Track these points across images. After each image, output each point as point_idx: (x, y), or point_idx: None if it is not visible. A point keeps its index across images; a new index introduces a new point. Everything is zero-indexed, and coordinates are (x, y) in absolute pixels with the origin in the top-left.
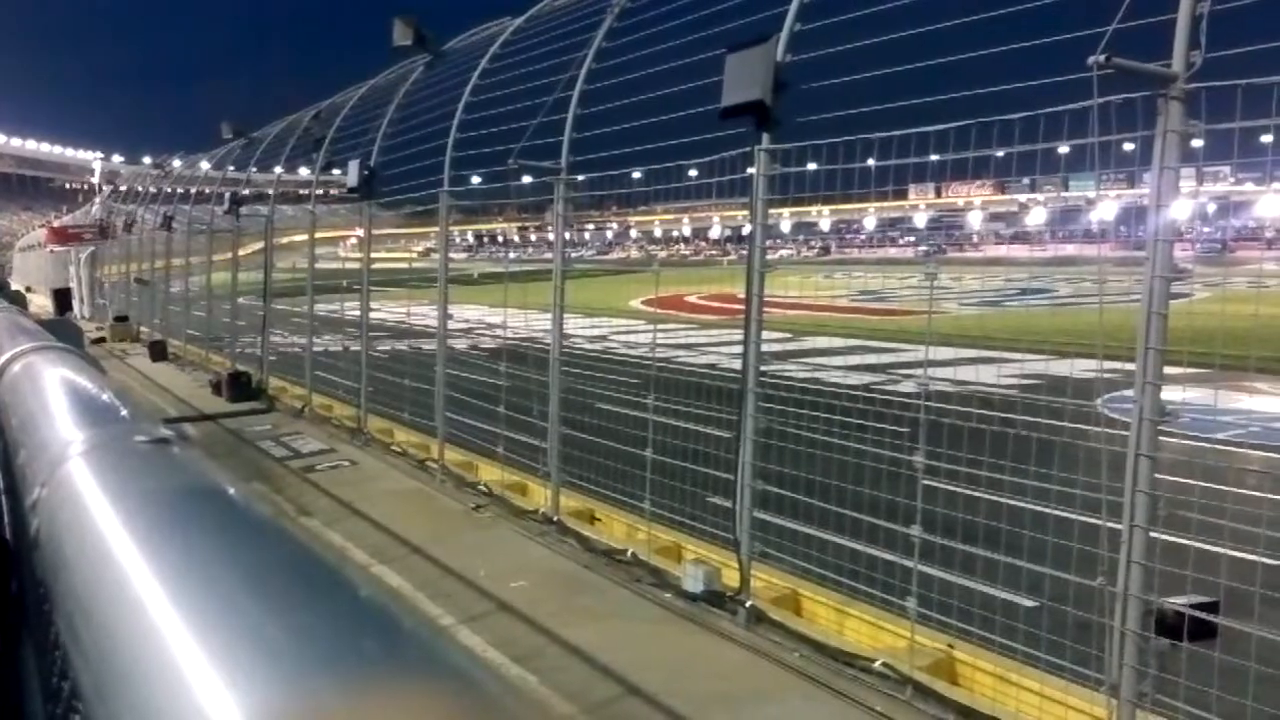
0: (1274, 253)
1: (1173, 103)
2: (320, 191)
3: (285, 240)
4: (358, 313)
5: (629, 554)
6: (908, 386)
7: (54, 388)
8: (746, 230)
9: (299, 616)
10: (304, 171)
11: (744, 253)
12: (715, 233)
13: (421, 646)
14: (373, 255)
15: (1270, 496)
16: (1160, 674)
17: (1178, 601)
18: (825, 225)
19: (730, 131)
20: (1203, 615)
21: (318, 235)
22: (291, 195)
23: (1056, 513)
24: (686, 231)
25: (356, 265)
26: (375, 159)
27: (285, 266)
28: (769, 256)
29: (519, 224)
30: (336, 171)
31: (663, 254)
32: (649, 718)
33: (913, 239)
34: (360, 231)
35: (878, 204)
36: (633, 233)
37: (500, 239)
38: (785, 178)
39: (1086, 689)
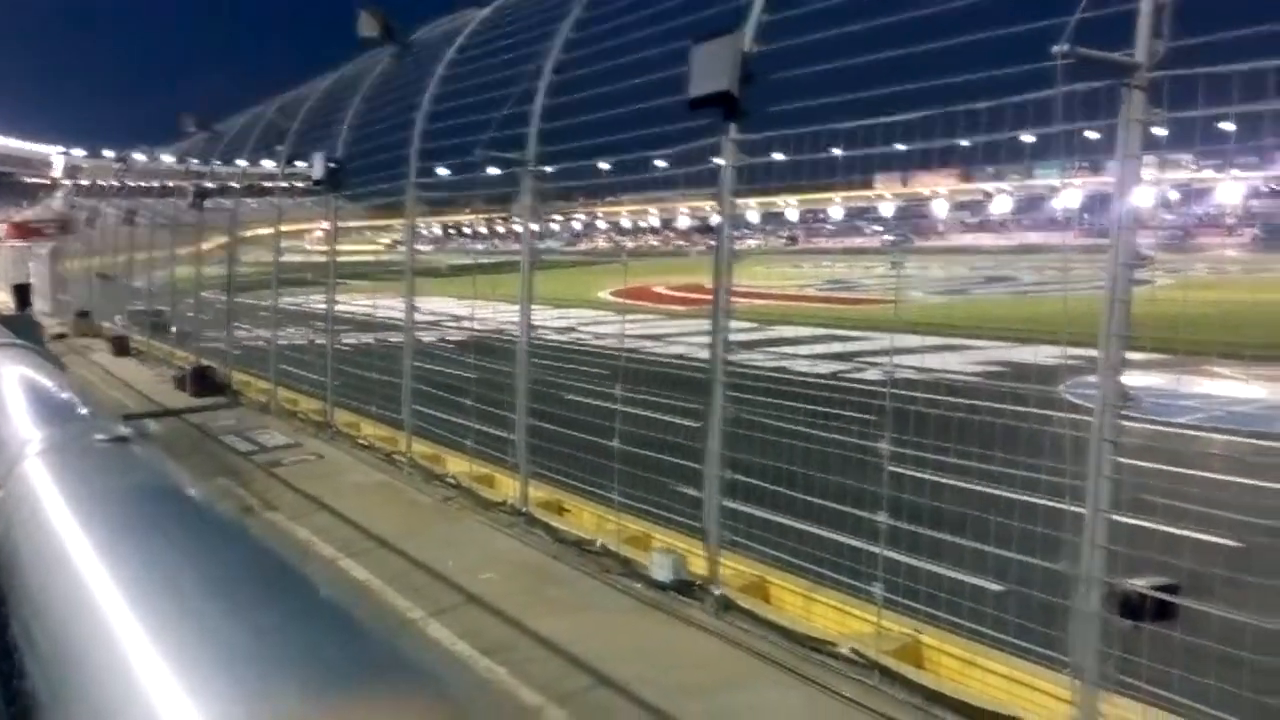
0: (1235, 239)
1: (1135, 91)
2: (285, 184)
3: (250, 233)
4: (324, 306)
5: (598, 544)
6: (875, 374)
7: (11, 386)
8: (715, 220)
9: (258, 617)
10: (268, 164)
11: (712, 243)
12: (684, 223)
13: (385, 646)
14: (339, 248)
15: (1230, 479)
16: (1123, 655)
17: (1139, 583)
18: (793, 215)
19: (698, 122)
20: (1163, 596)
21: (283, 228)
22: (256, 188)
23: (1022, 498)
24: (655, 222)
25: (322, 258)
26: (341, 151)
27: (250, 260)
28: (737, 247)
29: (486, 215)
30: (301, 164)
31: (631, 245)
32: (620, 708)
33: (879, 228)
34: (326, 224)
35: (845, 193)
36: (601, 224)
37: (468, 231)
38: (753, 168)
39: (1051, 671)
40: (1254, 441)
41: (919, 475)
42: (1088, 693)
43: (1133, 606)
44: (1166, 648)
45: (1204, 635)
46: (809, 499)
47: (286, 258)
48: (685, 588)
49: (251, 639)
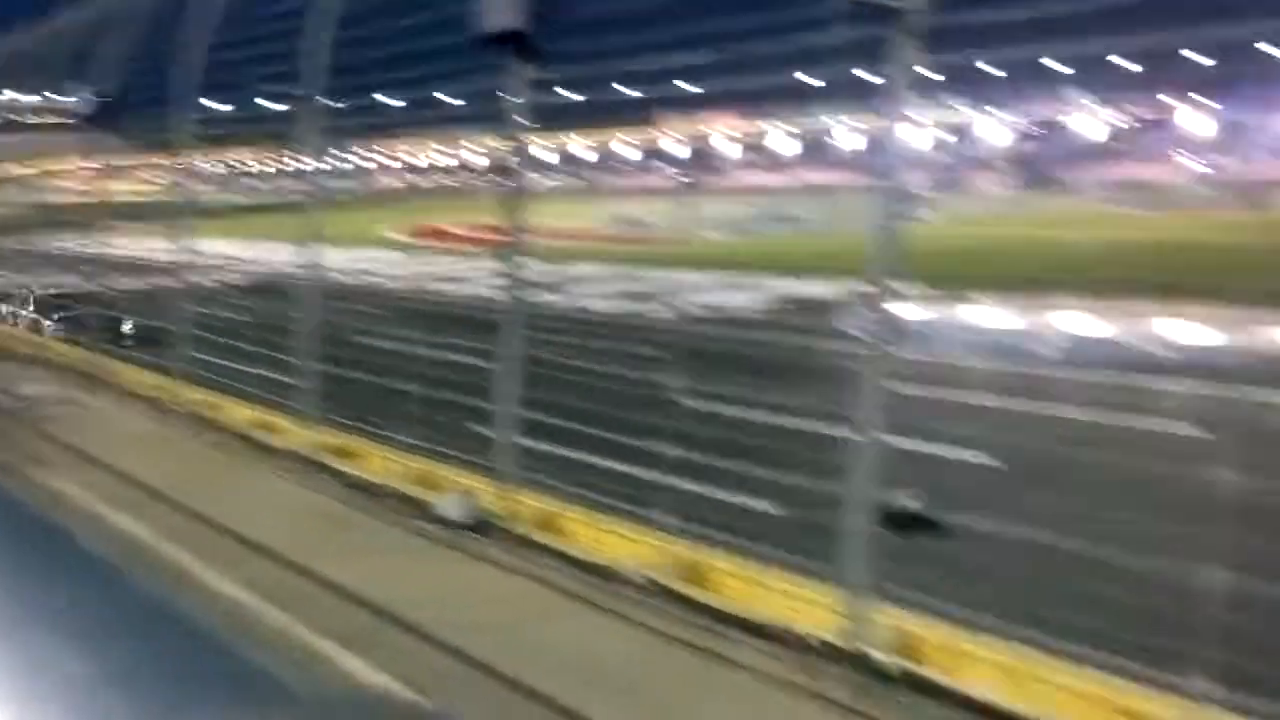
0: (1006, 179)
1: (906, 37)
2: (45, 119)
3: (3, 171)
4: (94, 249)
5: (389, 488)
6: (664, 312)
7: None
8: (506, 159)
9: (15, 579)
10: (22, 96)
11: (506, 182)
12: (475, 161)
13: (157, 599)
14: (110, 187)
15: (989, 405)
16: (889, 564)
17: (902, 500)
18: (585, 154)
19: (491, 61)
20: (925, 513)
21: (45, 166)
22: (8, 122)
23: (800, 426)
24: (448, 161)
25: (90, 200)
26: (111, 83)
27: (6, 200)
28: (531, 185)
29: (269, 154)
30: (63, 98)
31: (424, 184)
32: (413, 648)
33: (669, 168)
34: (94, 162)
35: (633, 131)
36: (391, 162)
37: (251, 169)
38: (546, 105)
39: (827, 585)
40: (1007, 368)
41: (710, 408)
42: (856, 602)
43: (896, 521)
44: (931, 558)
45: (963, 543)
46: (603, 434)
47: (50, 198)
48: (481, 527)
49: (6, 599)
